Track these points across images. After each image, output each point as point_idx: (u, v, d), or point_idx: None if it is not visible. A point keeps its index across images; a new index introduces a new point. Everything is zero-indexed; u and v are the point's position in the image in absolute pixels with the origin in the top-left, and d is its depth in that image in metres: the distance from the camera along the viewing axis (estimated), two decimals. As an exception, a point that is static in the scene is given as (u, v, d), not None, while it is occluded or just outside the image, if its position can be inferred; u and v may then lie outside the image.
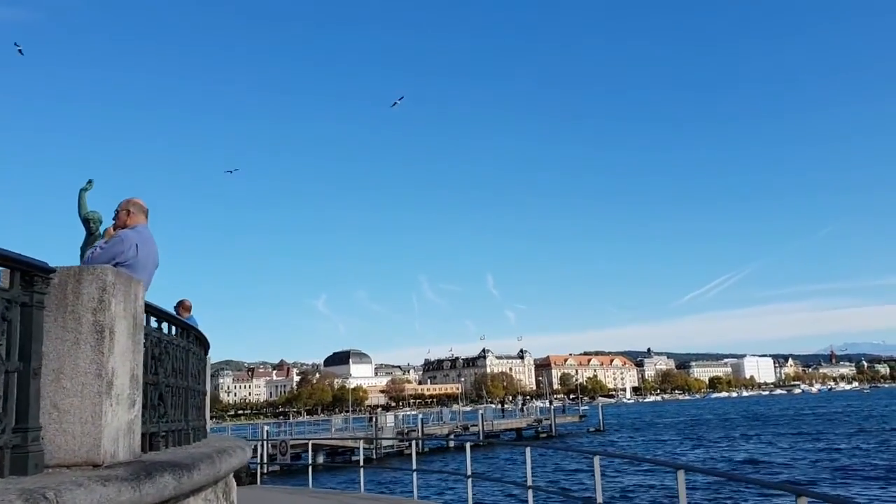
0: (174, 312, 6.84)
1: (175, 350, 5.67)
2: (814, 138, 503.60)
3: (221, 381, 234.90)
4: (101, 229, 8.14)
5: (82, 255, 7.45)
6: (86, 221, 9.17)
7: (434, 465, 40.83)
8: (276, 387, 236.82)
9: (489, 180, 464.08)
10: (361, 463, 11.96)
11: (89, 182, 9.70)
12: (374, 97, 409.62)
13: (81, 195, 9.54)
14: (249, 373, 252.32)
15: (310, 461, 11.91)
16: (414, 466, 11.88)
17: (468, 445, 10.32)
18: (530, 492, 9.84)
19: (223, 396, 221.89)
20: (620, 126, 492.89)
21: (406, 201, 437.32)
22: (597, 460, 8.62)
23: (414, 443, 23.19)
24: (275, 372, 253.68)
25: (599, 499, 8.36)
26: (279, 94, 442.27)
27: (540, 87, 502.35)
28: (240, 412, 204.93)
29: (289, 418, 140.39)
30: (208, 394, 8.24)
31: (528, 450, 10.18)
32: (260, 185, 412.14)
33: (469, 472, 10.96)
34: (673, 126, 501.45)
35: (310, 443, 36.77)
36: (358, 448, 43.76)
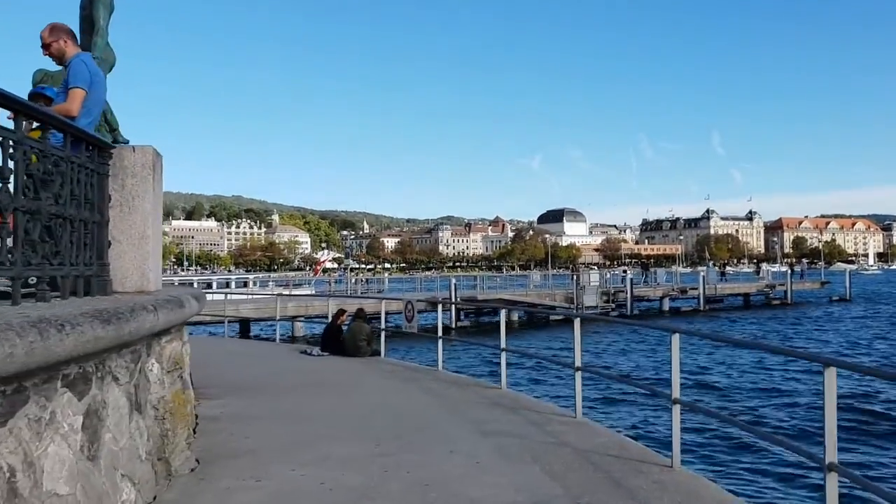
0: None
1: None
2: None
3: (441, 234, 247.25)
4: None
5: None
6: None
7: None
8: (492, 242, 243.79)
9: (717, 30, 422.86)
10: (503, 329, 10.45)
11: None
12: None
13: None
14: (467, 228, 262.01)
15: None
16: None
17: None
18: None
19: (442, 249, 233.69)
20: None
21: (623, 55, 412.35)
22: None
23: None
24: (490, 228, 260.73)
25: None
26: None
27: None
28: (457, 264, 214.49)
29: (502, 272, 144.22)
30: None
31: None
32: (485, 49, 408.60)
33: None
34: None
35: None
36: (556, 308, 43.18)
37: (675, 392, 6.15)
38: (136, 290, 5.46)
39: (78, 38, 9.14)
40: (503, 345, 9.89)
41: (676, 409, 6.14)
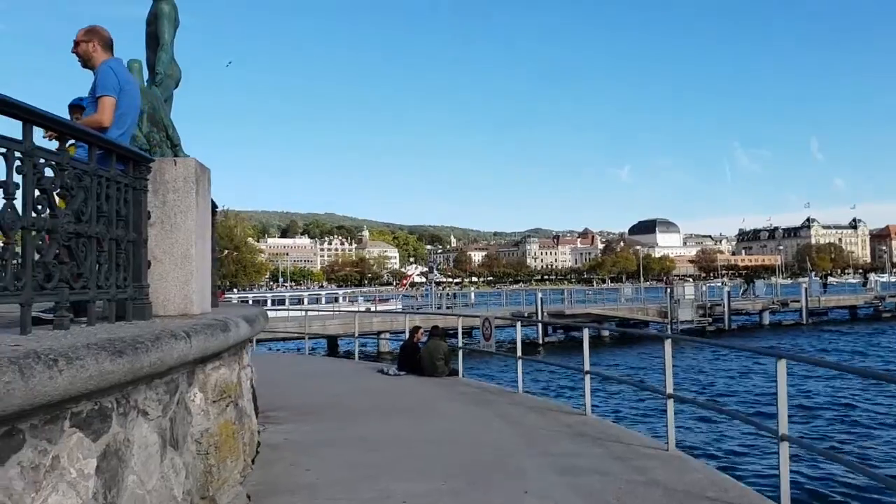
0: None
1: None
2: None
3: (529, 247, 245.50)
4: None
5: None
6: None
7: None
8: (581, 254, 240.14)
9: (811, 32, 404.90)
10: (587, 344, 9.67)
11: None
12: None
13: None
14: (555, 240, 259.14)
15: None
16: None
17: (670, 342, 7.52)
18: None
19: (530, 262, 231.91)
20: None
21: (713, 59, 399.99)
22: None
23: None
24: (579, 240, 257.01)
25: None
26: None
27: None
28: (545, 277, 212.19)
29: (592, 285, 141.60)
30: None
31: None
32: (569, 56, 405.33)
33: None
34: None
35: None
36: (648, 323, 41.47)
37: (783, 427, 5.33)
38: (179, 313, 5.08)
39: (144, 54, 9.07)
40: (587, 367, 9.15)
41: (784, 447, 5.31)
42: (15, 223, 3.26)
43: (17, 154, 3.30)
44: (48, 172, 3.59)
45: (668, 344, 7.43)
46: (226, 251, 79.92)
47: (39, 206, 3.50)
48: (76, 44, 4.84)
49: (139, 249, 4.68)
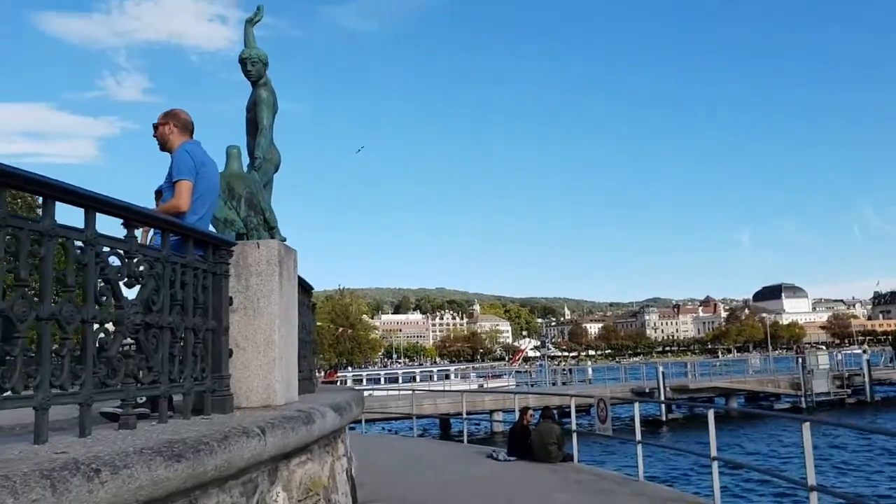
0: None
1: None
2: None
3: (647, 317, 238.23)
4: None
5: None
6: (244, 62, 7.75)
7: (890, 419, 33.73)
8: (703, 323, 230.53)
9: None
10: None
11: (258, 9, 8.15)
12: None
13: (247, 28, 8.11)
14: (675, 309, 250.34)
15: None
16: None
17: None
18: None
19: (649, 333, 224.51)
20: None
21: (834, 112, 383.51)
22: None
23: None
24: (701, 308, 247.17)
25: None
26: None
27: None
28: (667, 349, 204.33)
29: (717, 356, 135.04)
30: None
31: None
32: (680, 118, 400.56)
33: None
34: None
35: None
36: (779, 396, 38.50)
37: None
38: (262, 404, 4.78)
39: (244, 140, 9.23)
40: (713, 452, 8.24)
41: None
42: (72, 317, 3.03)
43: (78, 243, 3.13)
44: (115, 261, 3.43)
45: (805, 428, 6.52)
46: (340, 328, 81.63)
47: (104, 297, 3.30)
48: (155, 127, 4.80)
49: (219, 338, 4.44)
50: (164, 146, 4.74)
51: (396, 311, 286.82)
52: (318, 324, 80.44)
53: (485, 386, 45.84)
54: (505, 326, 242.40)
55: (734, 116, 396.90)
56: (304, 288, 7.43)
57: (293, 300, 5.19)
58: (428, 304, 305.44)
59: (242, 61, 8.80)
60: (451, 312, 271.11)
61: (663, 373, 37.58)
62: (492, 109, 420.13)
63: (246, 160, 8.83)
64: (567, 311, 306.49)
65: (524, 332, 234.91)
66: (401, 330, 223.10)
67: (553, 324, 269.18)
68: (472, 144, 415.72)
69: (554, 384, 44.96)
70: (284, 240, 8.32)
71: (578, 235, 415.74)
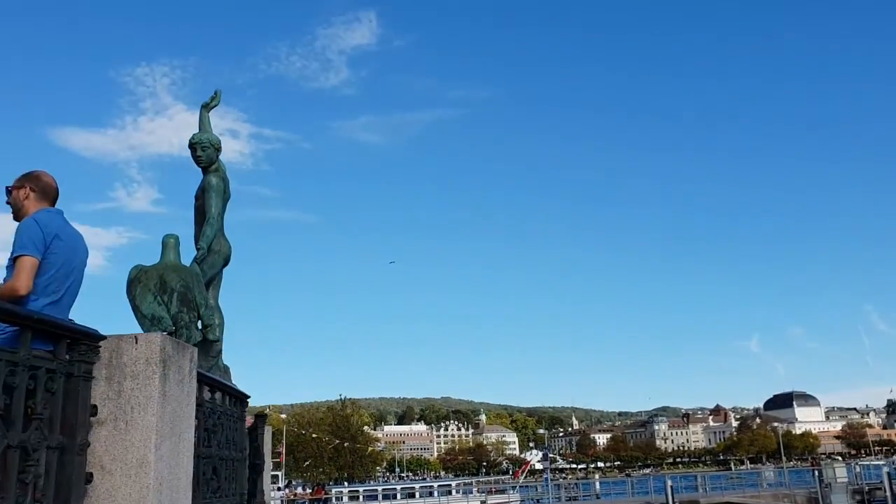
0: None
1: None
2: None
3: (657, 427, 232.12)
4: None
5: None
6: (194, 147, 7.07)
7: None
8: (714, 433, 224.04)
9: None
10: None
11: (215, 93, 7.55)
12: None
13: (203, 113, 7.46)
14: (685, 419, 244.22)
15: None
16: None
17: None
18: None
19: (659, 443, 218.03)
20: None
21: (832, 216, 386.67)
22: None
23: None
24: (711, 417, 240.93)
25: None
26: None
27: None
28: (677, 460, 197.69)
29: (729, 467, 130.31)
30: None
31: None
32: (687, 234, 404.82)
33: None
34: None
35: None
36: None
37: None
38: (128, 544, 3.75)
39: (193, 230, 8.44)
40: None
41: None
42: None
43: None
44: None
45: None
46: (337, 441, 78.79)
47: None
48: (8, 192, 3.98)
49: (70, 458, 3.51)
50: (17, 215, 3.91)
51: (400, 421, 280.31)
52: (315, 436, 78.05)
53: (487, 502, 43.62)
54: (511, 437, 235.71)
55: (737, 224, 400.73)
56: (238, 397, 6.49)
57: (186, 410, 4.24)
58: (433, 413, 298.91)
59: (192, 146, 8.13)
60: (457, 423, 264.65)
61: (672, 486, 35.56)
62: (494, 216, 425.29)
63: (191, 251, 8.01)
64: (575, 421, 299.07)
65: (531, 444, 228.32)
66: (404, 441, 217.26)
67: (560, 434, 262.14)
68: (477, 256, 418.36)
69: (558, 500, 42.62)
70: (216, 341, 7.38)
71: (586, 342, 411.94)
